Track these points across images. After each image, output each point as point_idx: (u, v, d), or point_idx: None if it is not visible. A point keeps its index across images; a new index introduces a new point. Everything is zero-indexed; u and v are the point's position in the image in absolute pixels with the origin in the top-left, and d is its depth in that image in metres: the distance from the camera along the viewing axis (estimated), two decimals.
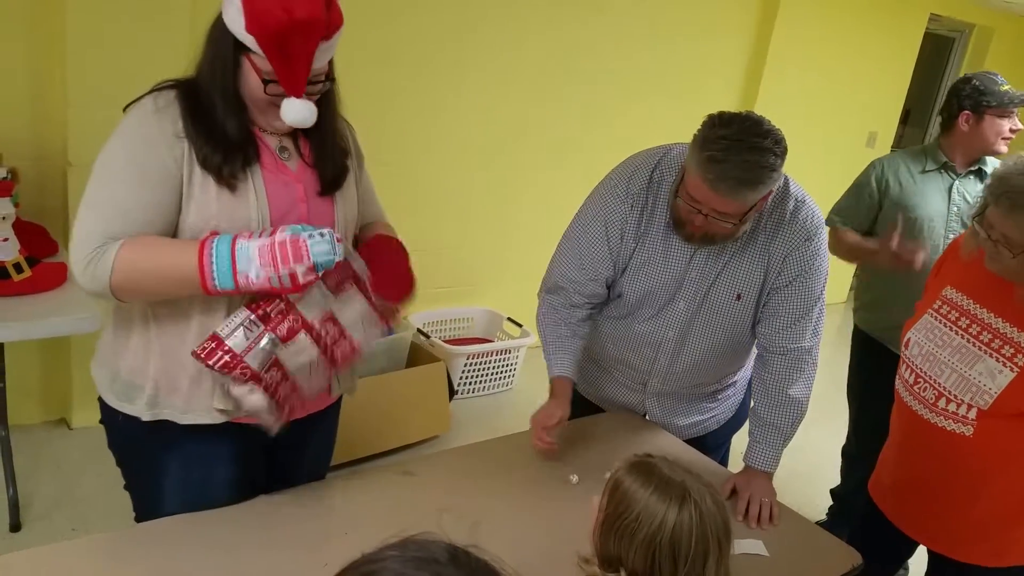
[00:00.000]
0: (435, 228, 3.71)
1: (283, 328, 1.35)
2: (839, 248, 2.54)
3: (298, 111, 1.30)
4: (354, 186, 1.55)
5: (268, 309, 1.34)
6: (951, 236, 2.47)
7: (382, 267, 1.50)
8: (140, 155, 1.31)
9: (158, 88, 1.37)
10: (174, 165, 1.31)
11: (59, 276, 2.31)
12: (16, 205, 2.24)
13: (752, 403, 1.93)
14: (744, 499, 1.73)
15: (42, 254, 2.38)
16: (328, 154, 1.46)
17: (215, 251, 1.28)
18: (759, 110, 4.93)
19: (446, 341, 3.64)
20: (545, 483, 1.73)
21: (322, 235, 1.31)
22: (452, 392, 3.28)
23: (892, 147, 5.89)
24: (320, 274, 1.32)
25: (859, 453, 2.80)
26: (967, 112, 2.43)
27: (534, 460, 1.81)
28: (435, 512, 1.49)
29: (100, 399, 1.50)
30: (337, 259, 1.32)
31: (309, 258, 1.28)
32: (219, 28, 1.31)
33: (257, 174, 1.36)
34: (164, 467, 1.47)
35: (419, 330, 3.56)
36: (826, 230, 1.85)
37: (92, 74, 2.60)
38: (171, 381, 1.41)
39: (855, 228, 2.60)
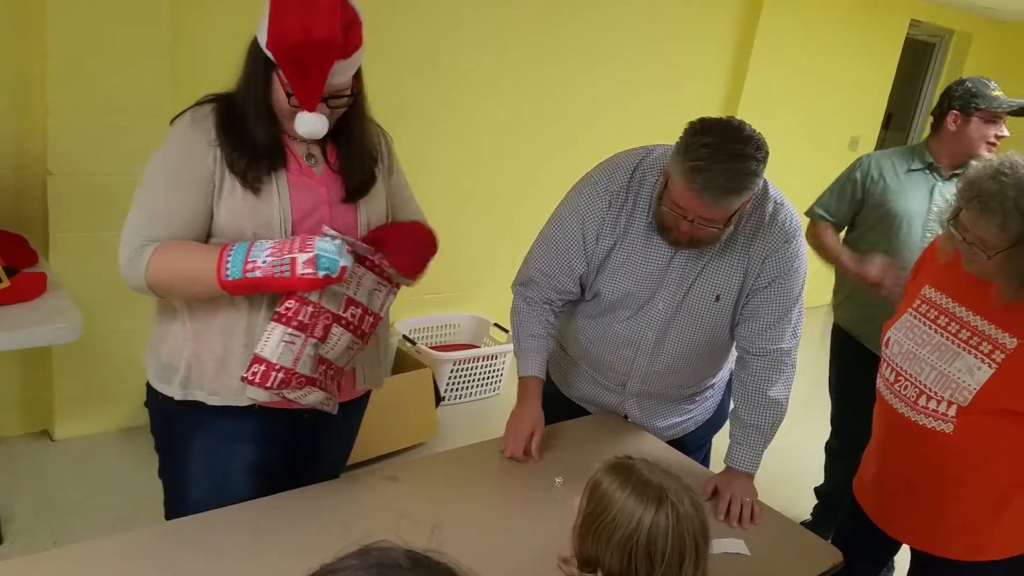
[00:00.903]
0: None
1: (319, 330, 1.45)
2: (814, 242, 2.57)
3: (309, 124, 1.39)
4: (383, 193, 1.63)
5: (301, 317, 1.43)
6: (929, 236, 2.49)
7: (397, 242, 1.56)
8: (177, 164, 1.45)
9: (199, 102, 1.50)
10: (207, 172, 1.44)
11: (39, 286, 2.29)
12: None
13: (732, 405, 1.93)
14: (725, 499, 1.74)
15: (22, 264, 2.36)
16: (354, 161, 1.56)
17: (235, 248, 1.40)
18: (742, 112, 5.04)
19: (432, 347, 3.64)
20: (529, 487, 1.73)
21: (333, 238, 1.41)
22: (439, 398, 3.28)
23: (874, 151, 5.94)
24: (322, 274, 1.37)
25: (840, 450, 2.83)
26: (956, 112, 2.46)
27: (518, 464, 1.81)
28: (419, 517, 1.48)
29: (147, 383, 1.63)
30: (343, 264, 1.39)
31: (313, 249, 1.36)
32: (255, 46, 1.43)
33: (282, 178, 1.47)
34: (191, 445, 1.59)
35: (405, 336, 3.56)
36: (803, 232, 1.86)
37: (72, 84, 2.59)
38: (201, 364, 1.53)
39: (836, 222, 2.64)
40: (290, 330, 1.42)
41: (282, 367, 1.42)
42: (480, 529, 1.53)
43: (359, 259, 1.52)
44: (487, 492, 1.69)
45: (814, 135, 5.30)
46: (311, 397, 1.50)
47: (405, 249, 1.56)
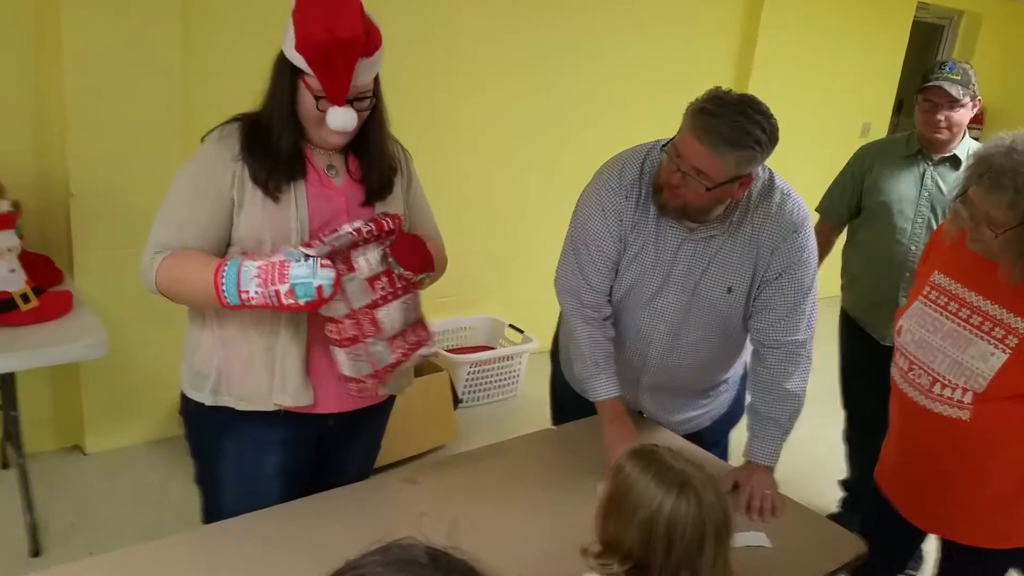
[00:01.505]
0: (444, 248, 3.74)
1: (369, 327, 1.54)
2: (823, 244, 2.59)
3: (340, 116, 1.47)
4: (401, 201, 1.69)
5: (347, 333, 1.52)
6: (920, 221, 2.53)
7: (398, 242, 1.60)
8: (200, 178, 1.53)
9: (227, 121, 1.58)
10: (227, 187, 1.51)
11: (65, 304, 2.35)
12: (20, 237, 2.29)
13: (749, 398, 1.95)
14: (745, 492, 1.75)
15: (48, 283, 2.43)
16: (374, 168, 1.63)
17: (225, 272, 1.43)
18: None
19: (448, 350, 3.67)
20: (547, 486, 1.76)
21: (307, 259, 1.41)
22: (456, 401, 3.31)
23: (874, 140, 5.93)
24: (302, 301, 1.39)
25: (856, 438, 2.86)
26: (916, 96, 2.50)
27: (536, 464, 1.84)
28: (439, 517, 1.52)
29: (181, 392, 1.70)
30: (318, 283, 1.39)
31: (288, 280, 1.39)
32: (279, 60, 1.52)
33: (301, 188, 1.54)
34: (222, 450, 1.66)
35: None
36: (812, 223, 1.88)
37: (90, 108, 2.66)
38: (229, 370, 1.60)
39: (835, 213, 2.72)
40: (347, 349, 1.53)
41: (369, 375, 1.56)
42: (498, 528, 1.57)
43: (355, 241, 1.53)
44: (506, 492, 1.72)
45: (825, 124, 5.28)
46: (414, 360, 1.65)
47: (407, 245, 1.60)
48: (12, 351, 2.15)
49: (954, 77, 2.40)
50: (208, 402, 1.62)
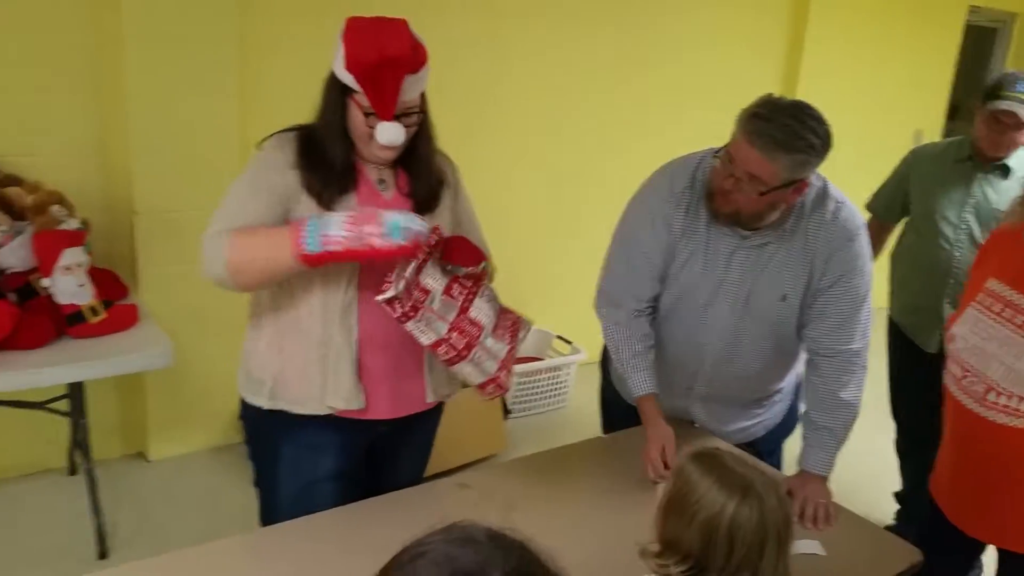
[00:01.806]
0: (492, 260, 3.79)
1: (474, 329, 1.60)
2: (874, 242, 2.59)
3: (389, 131, 1.53)
4: (448, 213, 1.74)
5: (463, 342, 1.58)
6: (963, 228, 2.50)
7: (448, 247, 1.64)
8: (258, 177, 1.61)
9: (284, 129, 1.66)
10: (283, 188, 1.59)
11: (132, 317, 2.45)
12: (89, 253, 2.39)
13: (804, 407, 1.94)
14: (799, 501, 1.75)
15: (115, 297, 2.53)
16: (423, 182, 1.68)
17: (309, 223, 1.49)
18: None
19: None
20: (601, 492, 1.78)
21: (400, 211, 1.50)
22: (506, 411, 3.34)
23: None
24: (395, 241, 1.45)
25: (907, 448, 2.82)
26: (977, 104, 2.46)
27: (587, 471, 1.86)
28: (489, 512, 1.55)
29: (240, 398, 1.76)
30: (415, 228, 1.47)
31: (380, 223, 1.45)
32: (330, 79, 1.58)
33: (352, 201, 1.60)
34: (279, 453, 1.73)
35: None
36: (866, 231, 1.87)
37: (152, 130, 2.76)
38: (284, 375, 1.67)
39: (883, 212, 2.71)
40: (467, 359, 1.57)
41: (497, 370, 1.62)
42: (550, 531, 1.56)
43: (419, 265, 1.57)
44: (557, 497, 1.74)
45: (876, 131, 5.20)
46: (521, 342, 1.70)
47: (456, 247, 1.64)
48: (82, 361, 2.25)
49: None
50: (265, 406, 1.69)
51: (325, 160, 1.59)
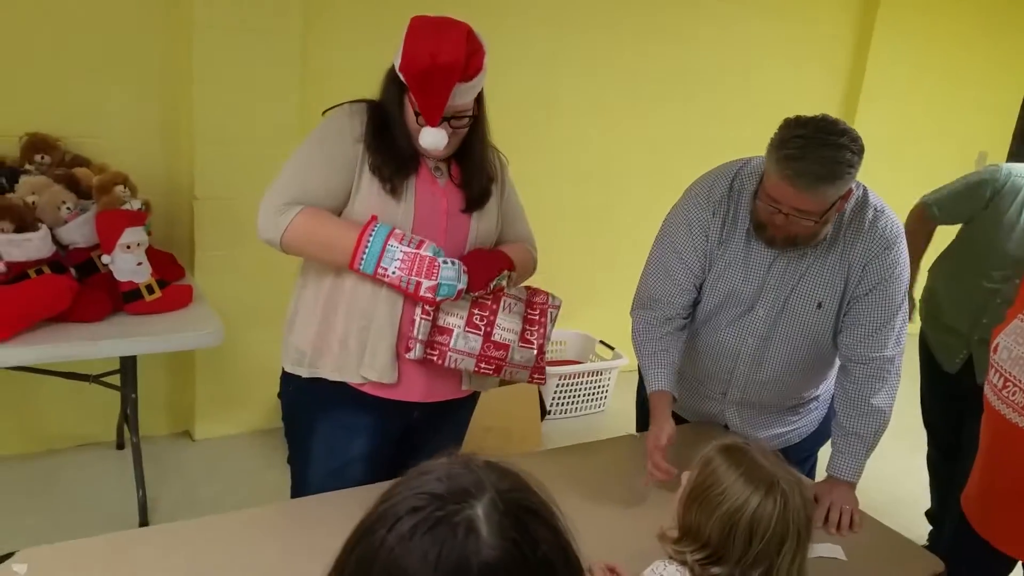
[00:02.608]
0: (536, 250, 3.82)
1: (499, 352, 1.69)
2: (915, 233, 2.48)
3: (431, 137, 1.58)
4: (496, 208, 1.78)
5: (492, 367, 1.69)
6: (1017, 272, 2.37)
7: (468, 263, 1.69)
8: (329, 143, 1.65)
9: (354, 101, 1.69)
10: (352, 159, 1.63)
11: (186, 297, 2.54)
12: (149, 233, 2.49)
13: (836, 413, 1.93)
14: (824, 506, 1.74)
15: (171, 278, 2.63)
16: (474, 177, 1.72)
17: (371, 242, 1.57)
18: (858, 129, 4.80)
19: None
20: (629, 487, 1.78)
21: (453, 263, 1.60)
22: (544, 412, 3.36)
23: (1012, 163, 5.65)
24: (439, 298, 1.58)
25: (936, 460, 2.76)
26: None
27: (617, 465, 1.86)
28: None
29: (281, 372, 1.82)
30: (460, 287, 1.60)
31: (436, 278, 1.57)
32: (391, 71, 1.64)
33: (412, 183, 1.65)
34: (314, 430, 1.77)
35: None
36: (904, 240, 1.85)
37: (215, 118, 2.87)
38: (325, 346, 1.71)
39: (944, 221, 2.59)
40: (501, 376, 1.73)
41: (533, 366, 1.75)
42: (570, 516, 1.60)
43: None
44: (582, 487, 1.75)
45: (938, 151, 5.08)
46: (552, 321, 1.80)
47: (472, 265, 1.68)
48: (135, 336, 2.34)
49: None
50: (304, 374, 1.74)
51: (393, 143, 1.63)
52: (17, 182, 2.33)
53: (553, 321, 1.79)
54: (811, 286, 1.83)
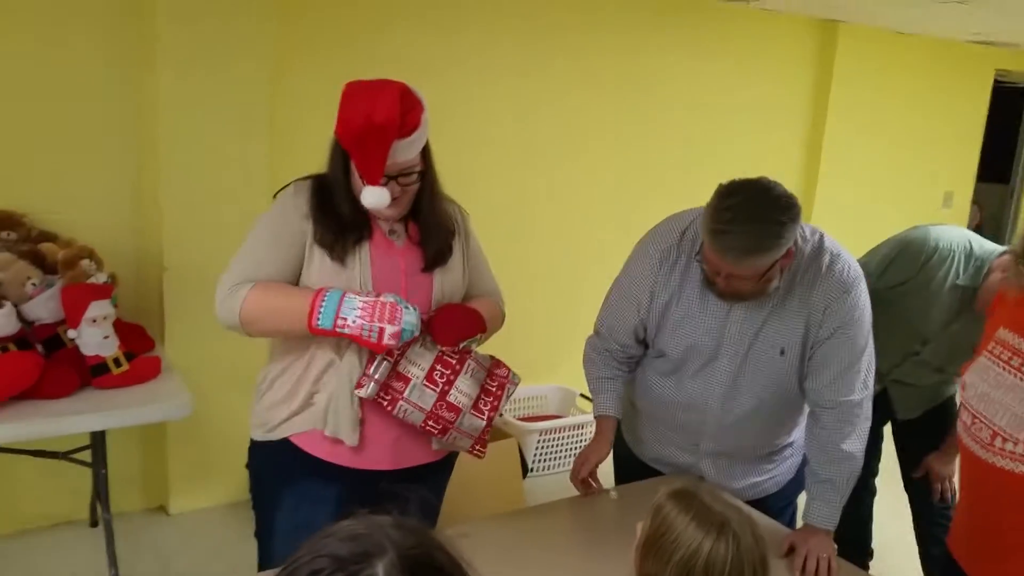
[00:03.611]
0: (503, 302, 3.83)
1: (450, 414, 1.69)
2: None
3: (372, 196, 1.58)
4: (460, 263, 1.78)
5: (439, 427, 1.68)
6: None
7: (436, 320, 1.69)
8: (277, 224, 1.67)
9: (300, 179, 1.73)
10: (300, 236, 1.65)
11: (154, 369, 2.52)
12: (115, 306, 2.47)
13: (808, 460, 1.92)
14: (801, 555, 1.72)
15: (140, 350, 2.60)
16: (431, 234, 1.72)
17: (327, 297, 1.57)
18: (822, 182, 4.94)
19: (519, 418, 3.70)
20: (599, 544, 1.76)
21: (414, 308, 1.59)
22: (526, 469, 3.33)
23: (972, 204, 5.76)
24: (405, 342, 1.57)
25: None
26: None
27: (592, 521, 1.84)
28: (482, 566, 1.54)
29: (250, 442, 1.83)
30: (417, 333, 1.57)
31: (400, 323, 1.52)
32: (334, 139, 1.65)
33: (365, 250, 1.66)
34: (280, 501, 1.75)
35: None
36: (864, 282, 1.86)
37: (183, 189, 2.89)
38: (291, 405, 1.71)
39: (882, 286, 2.52)
40: (444, 438, 1.71)
41: (472, 445, 1.76)
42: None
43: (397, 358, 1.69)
44: (567, 546, 1.73)
45: (904, 194, 5.19)
46: (507, 399, 1.80)
47: (442, 322, 1.69)
48: (103, 411, 2.31)
49: None
50: (274, 438, 1.73)
51: (334, 212, 1.65)
52: None
53: (508, 397, 1.79)
54: (772, 333, 1.83)
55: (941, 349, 2.44)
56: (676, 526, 1.16)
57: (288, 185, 1.72)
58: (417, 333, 1.58)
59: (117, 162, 2.90)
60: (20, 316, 2.29)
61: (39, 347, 2.34)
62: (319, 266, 1.64)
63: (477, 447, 1.75)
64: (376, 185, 1.57)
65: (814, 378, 1.85)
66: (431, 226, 1.73)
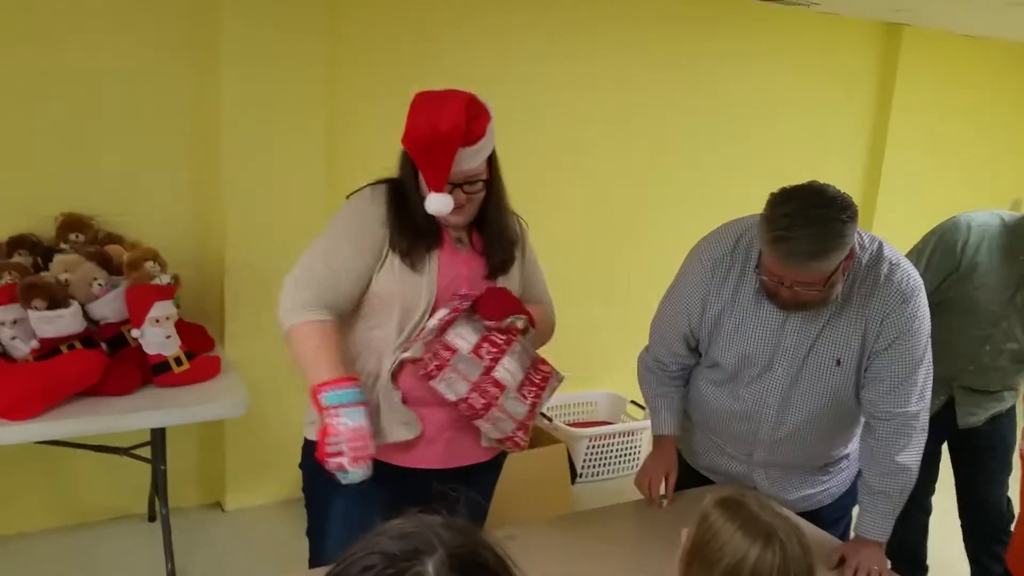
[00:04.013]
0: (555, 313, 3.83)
1: (495, 390, 1.66)
2: None
3: (436, 202, 1.60)
4: (518, 273, 1.81)
5: (482, 403, 1.65)
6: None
7: (483, 297, 1.69)
8: (354, 227, 1.68)
9: (376, 182, 1.74)
10: (379, 241, 1.67)
11: (214, 368, 2.59)
12: (177, 306, 2.55)
13: (860, 471, 1.88)
14: (851, 568, 1.69)
15: (201, 349, 2.68)
16: (495, 242, 1.75)
17: (343, 393, 1.56)
18: (884, 188, 4.80)
19: (569, 424, 3.70)
20: (644, 551, 1.75)
21: (365, 468, 1.56)
22: (574, 475, 3.32)
23: None
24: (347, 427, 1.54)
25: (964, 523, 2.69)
26: None
27: (642, 530, 1.83)
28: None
29: (304, 441, 1.86)
30: (359, 400, 1.58)
31: (352, 465, 1.54)
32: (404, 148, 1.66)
33: (435, 257, 1.68)
34: (331, 504, 1.76)
35: (542, 413, 3.65)
36: (923, 292, 1.82)
37: (245, 192, 2.97)
38: None
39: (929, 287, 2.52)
40: (485, 418, 1.66)
41: (514, 430, 1.71)
42: None
43: (442, 326, 1.66)
44: (608, 553, 1.72)
45: (969, 200, 5.01)
46: (548, 395, 1.76)
47: (488, 300, 1.69)
48: (164, 408, 2.38)
49: None
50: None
51: (410, 218, 1.67)
52: (52, 261, 2.43)
53: (550, 393, 1.77)
54: (829, 344, 1.80)
55: (1015, 324, 2.37)
56: (722, 534, 1.15)
57: (363, 188, 1.74)
58: (358, 400, 1.57)
59: (181, 166, 2.98)
60: (86, 315, 2.38)
61: (104, 346, 2.43)
62: (389, 271, 1.66)
63: (520, 433, 1.71)
64: (440, 192, 1.59)
65: (870, 389, 1.81)
66: (495, 235, 1.75)
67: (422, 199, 1.65)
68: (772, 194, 1.69)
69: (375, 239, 1.66)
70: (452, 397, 1.63)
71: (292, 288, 1.66)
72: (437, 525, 0.72)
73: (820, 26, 4.33)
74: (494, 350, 1.67)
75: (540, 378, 1.74)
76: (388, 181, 1.73)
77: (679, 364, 1.99)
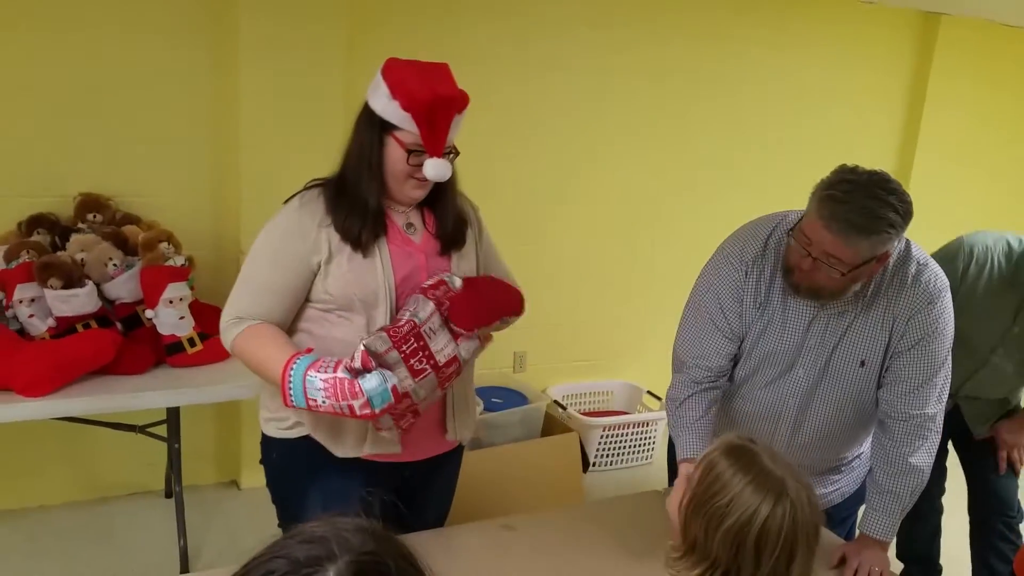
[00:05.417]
0: (572, 302, 3.83)
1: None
2: None
3: (438, 166, 1.57)
4: (474, 251, 1.77)
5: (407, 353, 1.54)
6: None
7: (462, 299, 1.61)
8: (279, 245, 1.63)
9: (306, 188, 1.69)
10: (307, 253, 1.60)
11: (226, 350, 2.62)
12: (192, 288, 2.58)
13: (871, 469, 1.84)
14: (852, 567, 1.66)
15: (214, 331, 2.68)
16: (448, 220, 1.71)
17: (292, 377, 1.48)
18: (915, 179, 4.67)
19: (584, 414, 3.69)
20: (647, 546, 1.72)
21: (375, 371, 1.46)
22: (586, 464, 3.31)
23: None
24: (379, 410, 1.45)
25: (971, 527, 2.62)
26: None
27: (643, 524, 1.81)
28: (528, 566, 1.54)
29: (261, 440, 1.79)
30: (392, 384, 1.46)
31: (361, 395, 1.44)
32: (365, 117, 1.62)
33: (384, 245, 1.63)
34: (307, 497, 1.70)
35: (556, 402, 3.64)
36: (949, 293, 1.77)
37: (261, 177, 2.97)
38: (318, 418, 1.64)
39: None
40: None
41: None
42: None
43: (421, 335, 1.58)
44: (622, 543, 1.70)
45: (1000, 204, 4.86)
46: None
47: (465, 305, 1.61)
48: (178, 388, 2.42)
49: None
50: (292, 435, 1.69)
51: (359, 203, 1.61)
52: (69, 240, 2.46)
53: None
54: (854, 344, 1.76)
55: (1012, 351, 2.31)
56: (730, 487, 1.09)
57: (293, 196, 1.68)
58: (389, 384, 1.46)
59: (198, 148, 3.01)
60: (102, 295, 2.42)
61: (118, 325, 2.46)
62: (337, 271, 1.60)
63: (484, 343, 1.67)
64: (440, 157, 1.57)
65: (889, 389, 1.77)
66: (448, 211, 1.71)
67: (384, 174, 1.61)
68: (842, 165, 1.65)
69: (303, 247, 1.60)
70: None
71: (224, 315, 1.66)
72: (350, 529, 0.71)
73: (855, 15, 4.22)
74: (422, 355, 1.57)
75: (432, 286, 1.64)
76: (320, 183, 1.67)
77: (715, 374, 1.85)
